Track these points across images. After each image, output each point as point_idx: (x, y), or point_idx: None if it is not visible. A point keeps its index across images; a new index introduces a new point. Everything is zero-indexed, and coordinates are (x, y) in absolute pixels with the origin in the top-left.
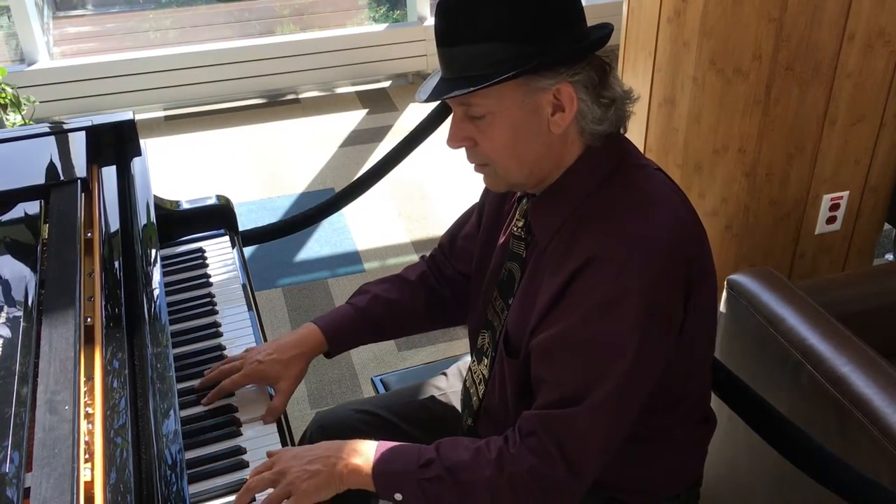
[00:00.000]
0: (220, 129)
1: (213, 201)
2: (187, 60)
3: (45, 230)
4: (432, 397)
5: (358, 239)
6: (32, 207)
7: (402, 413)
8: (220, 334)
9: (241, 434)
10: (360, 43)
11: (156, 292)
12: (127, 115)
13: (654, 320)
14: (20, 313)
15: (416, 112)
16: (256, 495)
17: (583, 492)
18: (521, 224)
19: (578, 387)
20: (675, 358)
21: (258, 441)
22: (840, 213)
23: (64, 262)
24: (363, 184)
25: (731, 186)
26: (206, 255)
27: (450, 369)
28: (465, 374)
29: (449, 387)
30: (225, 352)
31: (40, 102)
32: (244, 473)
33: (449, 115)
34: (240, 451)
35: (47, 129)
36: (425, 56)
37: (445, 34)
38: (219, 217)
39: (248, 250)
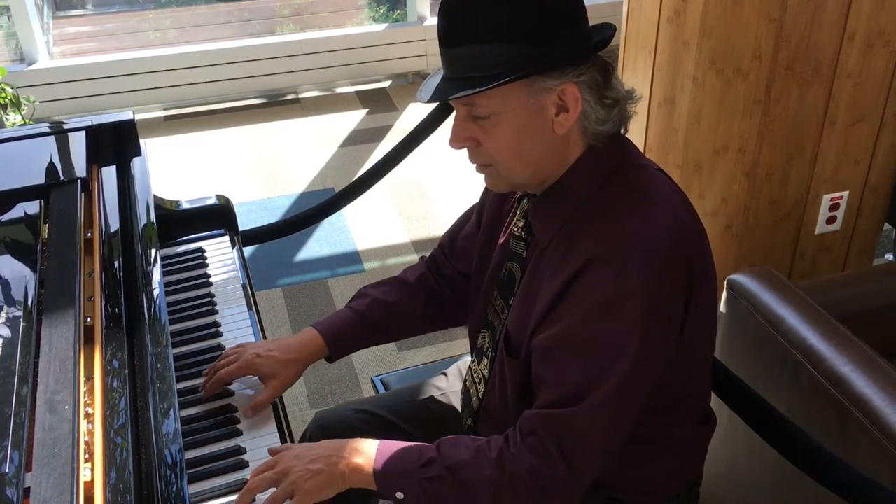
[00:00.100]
0: (220, 129)
1: (212, 201)
2: (187, 60)
3: (45, 230)
4: (432, 397)
5: (358, 239)
6: (32, 207)
7: (402, 413)
8: (220, 334)
9: (241, 434)
10: (360, 43)
11: (156, 292)
12: (127, 115)
13: (654, 320)
14: (20, 313)
15: (416, 112)
16: (258, 495)
17: (582, 491)
18: (521, 224)
19: (579, 386)
20: (676, 358)
21: (258, 441)
22: (840, 213)
23: (64, 261)
24: (363, 184)
25: (731, 186)
26: (205, 254)
27: (450, 369)
28: (464, 373)
29: (449, 387)
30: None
31: (40, 102)
32: (244, 473)
33: (449, 114)
34: (239, 450)
35: (47, 129)
36: (425, 56)
37: (449, 34)
38: (219, 217)
39: (248, 250)
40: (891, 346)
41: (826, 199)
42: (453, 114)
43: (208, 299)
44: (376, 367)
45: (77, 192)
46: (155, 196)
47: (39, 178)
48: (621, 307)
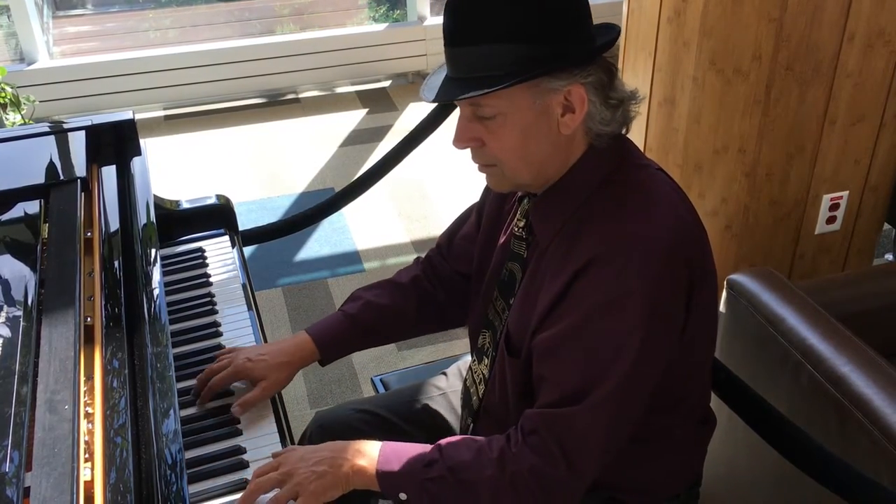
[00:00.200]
0: (220, 129)
1: (212, 201)
2: (187, 60)
3: (45, 230)
4: (432, 397)
5: (358, 239)
6: (32, 207)
7: (402, 413)
8: (219, 334)
9: (241, 434)
10: (359, 43)
11: (156, 292)
12: (127, 115)
13: (655, 320)
14: (20, 313)
15: (416, 112)
16: (261, 496)
17: (583, 490)
18: (521, 224)
19: (579, 386)
20: (676, 358)
21: (258, 441)
22: (840, 213)
23: (64, 261)
24: (363, 183)
25: (731, 186)
26: (205, 254)
27: (450, 369)
28: (465, 373)
29: (449, 386)
30: None
31: (40, 102)
32: (244, 473)
33: (449, 114)
34: (239, 450)
35: (47, 129)
36: (425, 56)
37: (454, 33)
38: (219, 217)
39: (247, 250)
40: (891, 346)
41: (826, 199)
42: (453, 113)
43: (208, 299)
44: (376, 367)
45: (77, 192)
46: (155, 196)
47: (39, 178)
48: (622, 307)
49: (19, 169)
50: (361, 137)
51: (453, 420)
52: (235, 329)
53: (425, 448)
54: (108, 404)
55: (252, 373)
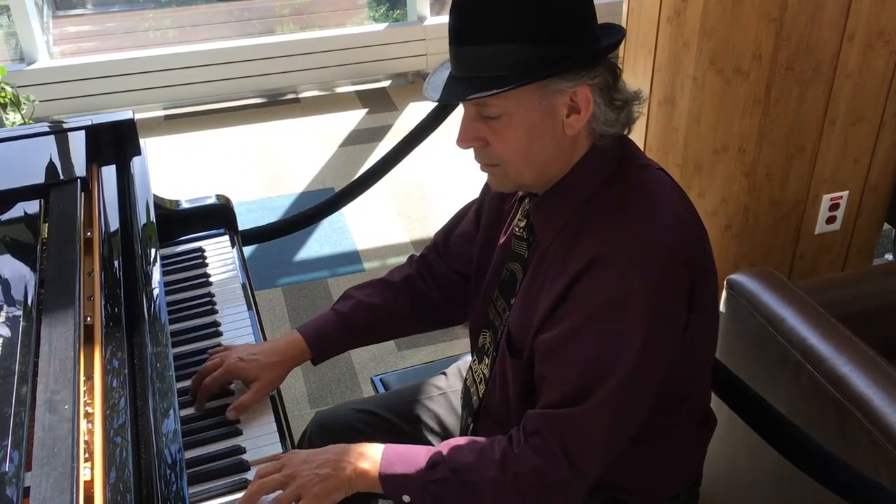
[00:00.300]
0: (220, 129)
1: (212, 201)
2: (187, 60)
3: (45, 229)
4: (432, 397)
5: (358, 238)
6: (32, 207)
7: (402, 413)
8: (219, 334)
9: (241, 434)
10: (359, 42)
11: (155, 292)
12: (126, 115)
13: (657, 320)
14: (20, 313)
15: (415, 112)
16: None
17: (586, 491)
18: (522, 224)
19: (582, 386)
20: (678, 358)
21: (258, 441)
22: (840, 213)
23: (63, 261)
24: (363, 183)
25: (731, 186)
26: (205, 254)
27: (449, 369)
28: (465, 373)
29: (449, 386)
30: None
31: (40, 102)
32: (244, 473)
33: (448, 114)
34: (239, 450)
35: (47, 129)
36: (425, 56)
37: (460, 32)
38: (218, 216)
39: (247, 250)
40: (891, 346)
41: (826, 199)
42: (453, 113)
43: (208, 299)
44: (376, 366)
45: (77, 192)
46: (155, 196)
47: (39, 178)
48: (625, 308)
49: (19, 169)
50: (361, 137)
51: (453, 420)
52: (235, 329)
53: (428, 450)
54: (108, 404)
55: (244, 373)
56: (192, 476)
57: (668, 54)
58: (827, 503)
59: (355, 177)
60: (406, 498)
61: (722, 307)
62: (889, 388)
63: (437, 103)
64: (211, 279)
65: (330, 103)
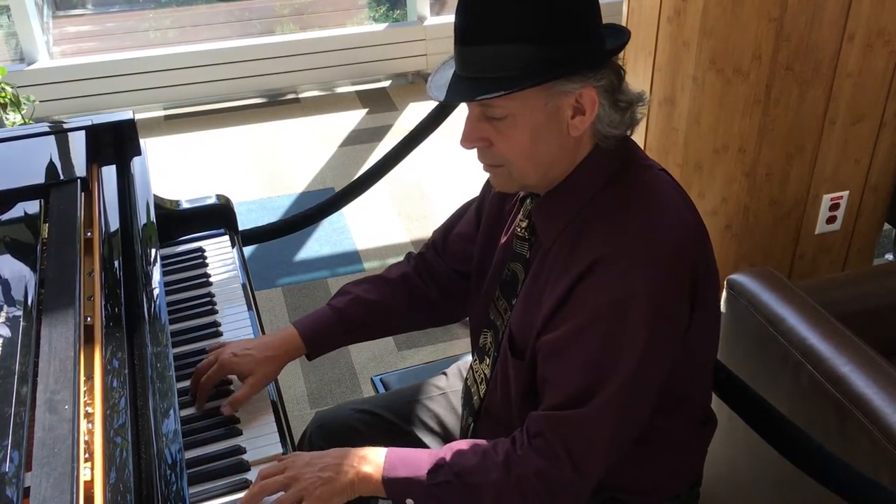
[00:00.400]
0: (220, 129)
1: (212, 201)
2: (187, 60)
3: (45, 229)
4: (432, 397)
5: (358, 238)
6: (32, 207)
7: (402, 413)
8: (220, 334)
9: (241, 434)
10: (359, 42)
11: (155, 292)
12: (127, 115)
13: (660, 321)
14: (20, 313)
15: (416, 112)
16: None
17: (589, 493)
18: (524, 224)
19: (584, 388)
20: (680, 358)
21: (258, 441)
22: (840, 213)
23: (64, 261)
24: (363, 183)
25: (731, 186)
26: (205, 254)
27: (450, 369)
28: (465, 373)
29: (449, 386)
30: None
31: (40, 102)
32: (244, 474)
33: (449, 114)
34: (239, 450)
35: (47, 129)
36: (425, 56)
37: (466, 32)
38: (218, 216)
39: (247, 250)
40: (891, 346)
41: (826, 199)
42: (453, 113)
43: (208, 299)
44: (376, 366)
45: (77, 192)
46: (155, 196)
47: (39, 178)
48: (627, 308)
49: (19, 169)
50: (361, 137)
51: (453, 420)
52: (235, 329)
53: (431, 454)
54: (108, 404)
55: (239, 368)
56: (193, 476)
57: (668, 54)
58: (827, 503)
59: (355, 177)
60: (409, 501)
61: (722, 307)
62: (889, 388)
63: (439, 103)
64: (211, 279)
65: (330, 103)
